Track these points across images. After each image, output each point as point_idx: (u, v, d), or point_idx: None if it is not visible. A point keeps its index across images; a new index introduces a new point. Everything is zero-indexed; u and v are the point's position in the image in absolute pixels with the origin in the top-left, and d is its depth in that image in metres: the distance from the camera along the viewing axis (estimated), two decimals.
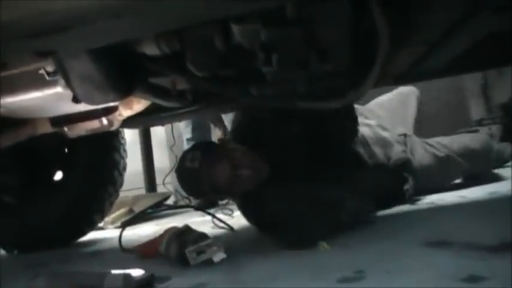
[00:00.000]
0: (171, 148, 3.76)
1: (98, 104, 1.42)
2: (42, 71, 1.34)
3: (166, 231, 1.70)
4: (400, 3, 1.18)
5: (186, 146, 3.68)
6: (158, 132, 4.50)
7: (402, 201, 1.85)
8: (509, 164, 2.87)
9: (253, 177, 1.78)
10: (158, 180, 4.16)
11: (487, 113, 4.80)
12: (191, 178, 1.76)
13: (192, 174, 1.74)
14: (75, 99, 1.36)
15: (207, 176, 1.72)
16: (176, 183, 3.86)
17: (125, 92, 1.34)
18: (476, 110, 4.83)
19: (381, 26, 1.11)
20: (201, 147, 1.84)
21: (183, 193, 2.55)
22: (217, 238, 1.83)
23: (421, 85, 2.74)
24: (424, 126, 2.68)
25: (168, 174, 3.84)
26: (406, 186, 1.75)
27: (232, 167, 1.73)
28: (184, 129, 3.82)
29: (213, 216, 2.07)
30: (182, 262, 1.52)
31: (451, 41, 1.40)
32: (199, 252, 1.50)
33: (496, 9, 1.17)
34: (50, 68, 1.34)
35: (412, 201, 2.03)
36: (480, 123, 4.72)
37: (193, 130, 3.73)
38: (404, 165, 1.79)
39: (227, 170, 1.72)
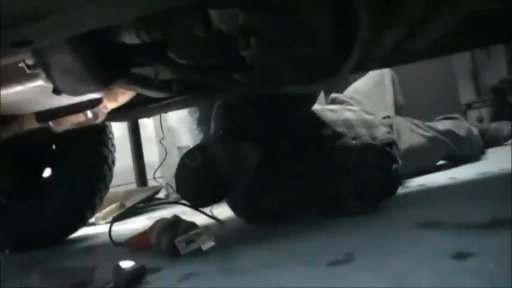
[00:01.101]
0: (160, 142, 3.73)
1: (79, 95, 1.40)
2: (22, 64, 1.33)
3: (156, 223, 1.69)
4: None
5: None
6: (147, 127, 4.48)
7: (394, 188, 1.82)
8: (508, 142, 2.90)
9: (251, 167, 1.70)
10: (149, 174, 4.14)
11: (476, 96, 4.81)
12: (196, 175, 1.59)
13: (196, 170, 1.57)
14: (56, 91, 1.34)
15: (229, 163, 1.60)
16: (168, 176, 3.86)
17: (106, 82, 1.32)
18: (466, 94, 4.84)
19: (360, 9, 1.10)
20: (197, 146, 1.74)
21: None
22: (207, 227, 1.83)
23: (409, 69, 2.74)
24: (413, 110, 2.67)
25: (158, 168, 3.82)
26: (395, 166, 1.74)
27: (242, 157, 1.64)
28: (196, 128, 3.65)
29: (204, 213, 1.99)
30: (173, 253, 1.51)
31: (434, 20, 1.38)
32: (189, 242, 1.49)
33: None
34: (30, 61, 1.32)
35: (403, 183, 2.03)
36: (470, 106, 4.75)
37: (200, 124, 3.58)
38: (391, 146, 1.78)
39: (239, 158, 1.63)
